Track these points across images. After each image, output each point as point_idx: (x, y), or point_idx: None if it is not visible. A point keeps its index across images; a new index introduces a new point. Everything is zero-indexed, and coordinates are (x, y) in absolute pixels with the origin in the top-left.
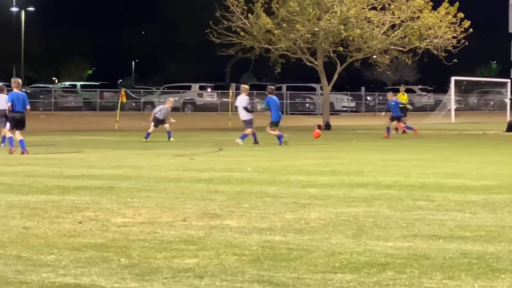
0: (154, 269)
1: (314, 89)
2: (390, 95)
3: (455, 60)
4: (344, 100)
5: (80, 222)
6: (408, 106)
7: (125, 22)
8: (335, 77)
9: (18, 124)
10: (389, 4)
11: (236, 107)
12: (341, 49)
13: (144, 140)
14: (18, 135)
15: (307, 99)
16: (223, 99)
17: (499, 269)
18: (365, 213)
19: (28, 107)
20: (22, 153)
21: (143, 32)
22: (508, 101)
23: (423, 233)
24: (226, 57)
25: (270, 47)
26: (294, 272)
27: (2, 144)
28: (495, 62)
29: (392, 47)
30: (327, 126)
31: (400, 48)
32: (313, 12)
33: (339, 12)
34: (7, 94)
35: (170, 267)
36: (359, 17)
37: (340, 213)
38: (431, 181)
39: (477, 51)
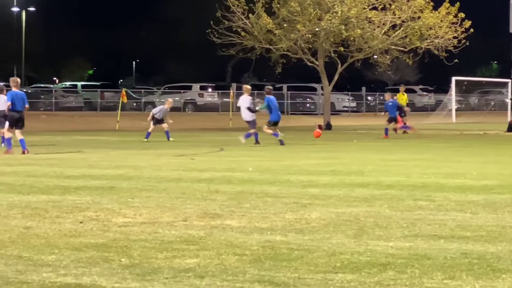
0: (155, 269)
1: (315, 89)
2: (387, 96)
3: (456, 60)
4: (345, 100)
5: (81, 222)
6: (405, 109)
7: (126, 22)
8: (336, 77)
9: (18, 123)
10: (390, 4)
11: (238, 107)
12: (342, 49)
13: (145, 140)
14: (18, 134)
15: (308, 99)
16: (224, 99)
17: (500, 269)
18: (366, 213)
19: (27, 106)
20: (23, 152)
21: (144, 32)
22: (508, 101)
23: (424, 233)
24: (227, 57)
25: (271, 47)
26: (295, 272)
27: (2, 144)
28: (495, 62)
29: (393, 47)
30: (328, 126)
31: (401, 48)
32: (314, 12)
33: (340, 12)
34: (6, 95)
35: (171, 267)
36: (360, 17)
37: (341, 213)
38: (432, 181)
39: (478, 51)
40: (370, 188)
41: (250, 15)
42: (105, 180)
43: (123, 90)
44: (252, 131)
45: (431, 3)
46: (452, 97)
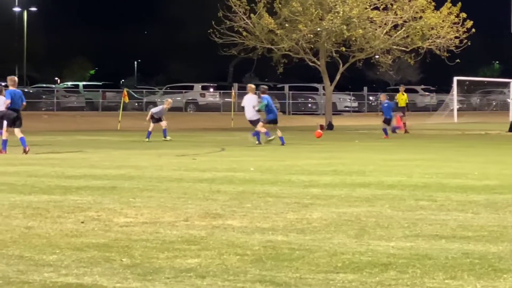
0: (156, 269)
1: (316, 89)
2: (382, 96)
3: (458, 60)
4: (346, 100)
5: (82, 222)
6: (399, 114)
7: (127, 22)
8: (337, 77)
9: (15, 121)
10: (392, 4)
11: (242, 107)
12: (344, 49)
13: (146, 140)
14: (18, 133)
15: (310, 99)
16: (226, 99)
17: (501, 269)
18: (367, 213)
19: (24, 103)
20: (24, 150)
21: (145, 32)
22: (510, 101)
23: (425, 233)
24: (229, 57)
25: (272, 47)
26: (296, 272)
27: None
28: (497, 62)
29: (394, 47)
30: (330, 126)
31: (403, 48)
32: (316, 12)
33: (341, 12)
34: (4, 96)
35: (172, 267)
36: (361, 17)
37: (342, 213)
38: (433, 181)
39: (479, 51)
40: (372, 188)
41: (252, 15)
42: (107, 180)
43: (125, 90)
44: (259, 128)
45: (433, 3)
46: (454, 97)
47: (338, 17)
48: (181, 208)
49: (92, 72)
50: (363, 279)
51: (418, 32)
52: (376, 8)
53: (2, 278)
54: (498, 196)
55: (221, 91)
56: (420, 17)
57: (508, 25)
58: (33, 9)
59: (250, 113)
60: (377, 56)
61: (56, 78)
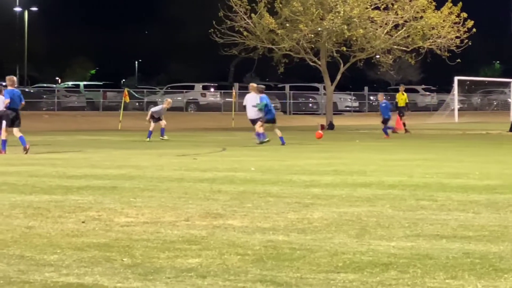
0: (157, 268)
1: (317, 89)
2: (380, 96)
3: (458, 60)
4: (347, 100)
5: (83, 222)
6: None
7: (128, 22)
8: (338, 77)
9: (15, 121)
10: (392, 4)
11: (244, 106)
12: (344, 49)
13: (147, 139)
14: (16, 133)
15: (310, 99)
16: (226, 99)
17: (502, 269)
18: (368, 213)
19: (23, 103)
20: (24, 148)
21: (146, 32)
22: (511, 101)
23: (426, 232)
24: (229, 57)
25: (273, 47)
26: (297, 272)
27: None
28: (498, 62)
29: (395, 47)
30: (330, 126)
31: (403, 48)
32: (316, 12)
33: (342, 12)
34: (3, 95)
35: (173, 267)
36: (362, 17)
37: (343, 213)
38: (434, 181)
39: (480, 51)
40: (372, 188)
41: (253, 15)
42: (107, 180)
43: (126, 90)
44: (258, 128)
45: (434, 3)
46: (455, 97)
47: (339, 17)
48: (182, 208)
49: (93, 72)
50: (364, 279)
51: (419, 32)
52: (377, 8)
53: (3, 278)
54: (499, 196)
55: (222, 91)
56: (421, 17)
57: (509, 25)
58: (34, 9)
59: (252, 112)
60: (377, 56)
61: (57, 78)
